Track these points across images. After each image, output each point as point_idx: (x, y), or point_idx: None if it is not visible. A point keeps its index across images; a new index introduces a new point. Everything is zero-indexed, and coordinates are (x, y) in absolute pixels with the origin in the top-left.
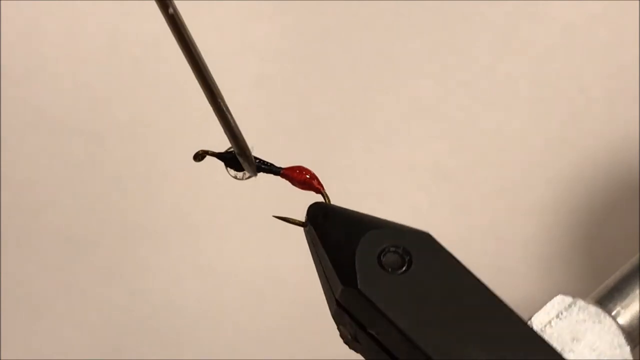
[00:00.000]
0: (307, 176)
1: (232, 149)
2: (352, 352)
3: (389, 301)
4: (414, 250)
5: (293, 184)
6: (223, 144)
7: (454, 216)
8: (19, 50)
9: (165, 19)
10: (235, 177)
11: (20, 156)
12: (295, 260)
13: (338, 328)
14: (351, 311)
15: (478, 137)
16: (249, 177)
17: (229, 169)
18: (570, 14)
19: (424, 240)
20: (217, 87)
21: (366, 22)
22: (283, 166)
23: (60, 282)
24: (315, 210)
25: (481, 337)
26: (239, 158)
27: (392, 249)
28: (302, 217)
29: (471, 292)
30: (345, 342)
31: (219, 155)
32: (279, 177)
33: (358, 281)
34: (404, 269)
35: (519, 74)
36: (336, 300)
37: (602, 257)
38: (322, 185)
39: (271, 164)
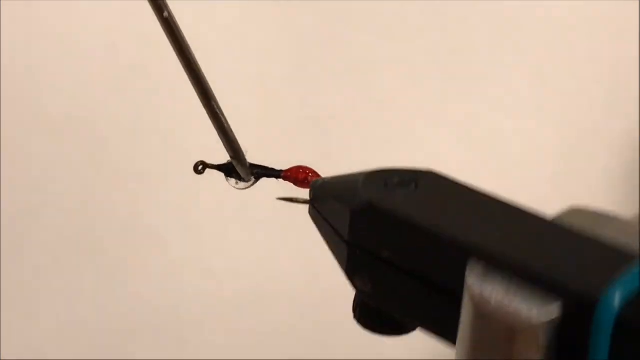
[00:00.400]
0: (309, 175)
1: (231, 162)
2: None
3: (399, 207)
4: (420, 177)
5: (295, 184)
6: (222, 145)
7: None
8: (19, 50)
9: (160, 22)
10: (236, 187)
11: (20, 156)
12: (295, 260)
13: (353, 285)
14: (362, 241)
15: (478, 137)
16: (250, 186)
17: (229, 179)
18: (570, 14)
19: (427, 172)
20: (210, 89)
21: (366, 22)
22: (283, 167)
23: (60, 282)
24: (317, 185)
25: (506, 226)
26: (232, 162)
27: (396, 179)
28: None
29: (486, 201)
30: (362, 320)
31: (218, 168)
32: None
33: (368, 198)
34: (410, 189)
35: (520, 74)
36: (347, 244)
37: None
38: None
39: (271, 169)
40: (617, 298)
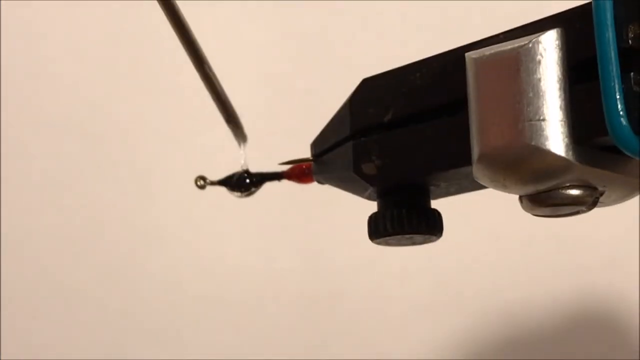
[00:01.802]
0: (310, 168)
1: (232, 175)
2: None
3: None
4: None
5: (299, 180)
6: (223, 144)
7: (454, 216)
8: (19, 50)
9: None
10: (239, 197)
11: (20, 156)
12: (295, 260)
13: (365, 178)
14: (365, 120)
15: None
16: (252, 194)
17: (233, 192)
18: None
19: None
20: (203, 53)
21: (367, 21)
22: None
23: (60, 282)
24: (314, 145)
25: None
26: (227, 125)
27: None
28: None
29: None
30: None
31: (219, 183)
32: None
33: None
34: None
35: None
36: (350, 140)
37: (602, 256)
38: None
39: (272, 173)
40: None
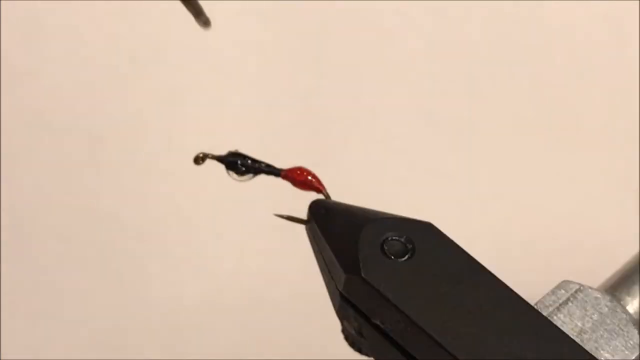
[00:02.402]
0: (309, 177)
1: (231, 154)
2: (352, 352)
3: (393, 287)
4: (417, 238)
5: (294, 184)
6: (223, 144)
7: (454, 216)
8: (19, 50)
9: None
10: (236, 180)
11: (20, 156)
12: (295, 261)
13: (342, 325)
14: (355, 302)
15: (478, 137)
16: (249, 179)
17: (230, 172)
18: (570, 14)
19: (426, 230)
20: None
21: (367, 22)
22: (284, 167)
23: (60, 282)
24: (316, 207)
25: (489, 322)
26: (195, 19)
27: (394, 238)
28: (303, 217)
29: (477, 280)
30: (350, 343)
31: (219, 159)
32: (278, 178)
33: (361, 269)
34: (407, 256)
35: (518, 74)
36: (340, 294)
37: (603, 255)
38: (322, 185)
39: (271, 166)
40: None
